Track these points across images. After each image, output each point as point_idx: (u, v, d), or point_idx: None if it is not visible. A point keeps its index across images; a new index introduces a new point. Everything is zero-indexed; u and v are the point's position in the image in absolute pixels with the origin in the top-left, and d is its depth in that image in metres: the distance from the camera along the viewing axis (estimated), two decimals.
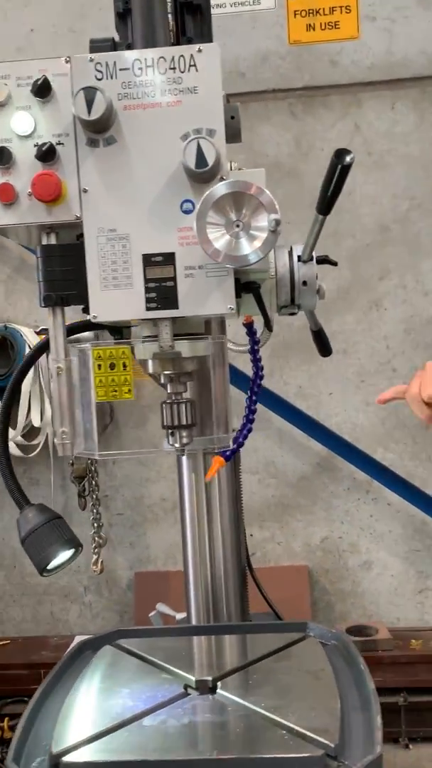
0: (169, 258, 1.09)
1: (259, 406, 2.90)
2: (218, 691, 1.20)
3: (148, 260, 1.09)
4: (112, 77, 1.09)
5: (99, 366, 1.13)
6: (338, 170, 1.01)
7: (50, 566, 1.28)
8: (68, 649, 1.40)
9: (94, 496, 2.99)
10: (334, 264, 1.25)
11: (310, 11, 2.90)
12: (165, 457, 2.98)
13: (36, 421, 2.88)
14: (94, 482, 2.89)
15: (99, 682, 1.27)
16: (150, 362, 1.18)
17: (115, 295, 1.11)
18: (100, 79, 1.09)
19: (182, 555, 1.59)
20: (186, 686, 1.22)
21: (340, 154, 1.00)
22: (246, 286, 1.15)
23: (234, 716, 1.14)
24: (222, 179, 1.07)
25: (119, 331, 1.30)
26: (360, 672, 1.25)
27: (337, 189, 1.04)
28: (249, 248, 0.99)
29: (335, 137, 2.94)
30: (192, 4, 1.27)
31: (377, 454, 2.93)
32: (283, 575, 2.96)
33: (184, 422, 1.19)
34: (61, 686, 1.28)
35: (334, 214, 2.95)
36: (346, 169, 1.01)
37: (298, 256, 1.20)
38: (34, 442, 2.93)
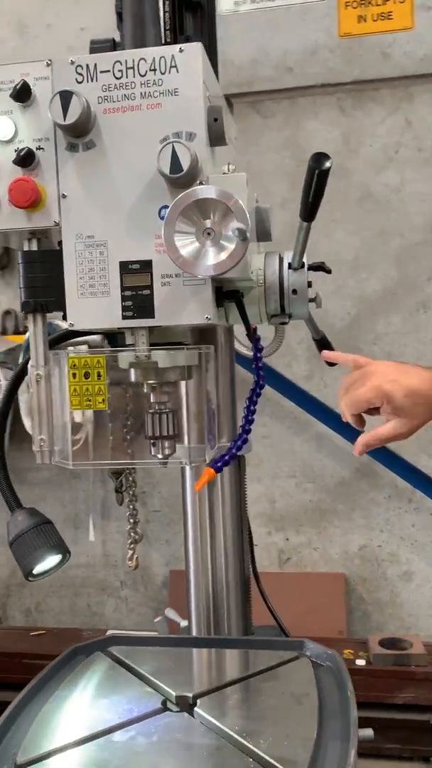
0: (146, 266, 1.05)
1: (297, 409, 2.84)
2: (196, 709, 1.16)
3: (125, 268, 1.06)
4: (92, 80, 1.06)
5: (74, 375, 1.10)
6: (316, 175, 0.94)
7: (36, 571, 1.27)
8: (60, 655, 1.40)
9: (131, 492, 3.00)
10: (328, 271, 1.18)
11: (362, 2, 2.79)
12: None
13: (78, 417, 2.90)
14: (131, 478, 2.89)
15: (80, 690, 1.26)
16: (131, 371, 1.14)
17: (91, 302, 1.08)
18: (80, 82, 1.06)
19: (184, 564, 1.56)
20: (165, 701, 1.19)
21: (318, 158, 0.94)
22: (229, 294, 1.10)
23: (204, 739, 1.10)
24: (201, 184, 1.03)
25: (114, 337, 1.28)
26: (346, 699, 1.18)
27: (318, 194, 0.98)
28: (215, 258, 0.94)
29: (385, 133, 2.83)
30: (191, 2, 1.22)
31: (421, 461, 2.82)
32: (319, 582, 2.88)
33: (166, 433, 1.16)
34: (44, 692, 1.27)
35: (381, 212, 2.85)
36: (325, 174, 0.95)
37: (289, 264, 1.14)
38: (76, 437, 2.95)
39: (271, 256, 1.17)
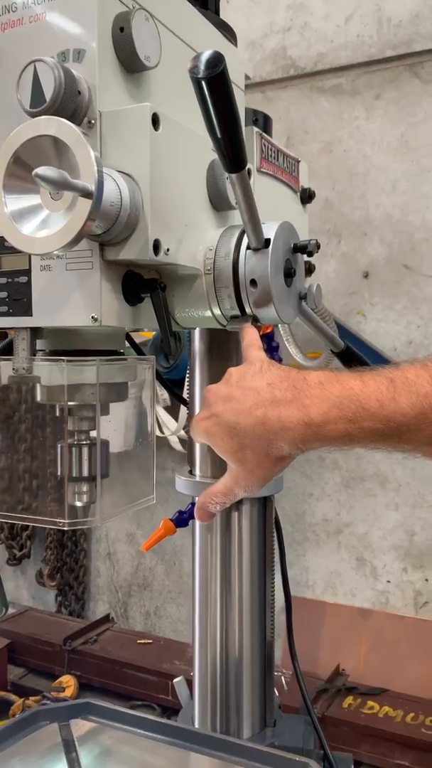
0: None
1: None
2: None
3: (1, 245, 0.74)
4: None
5: None
6: (206, 89, 0.55)
7: None
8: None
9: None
10: (310, 253, 0.75)
11: None
12: (331, 472, 2.52)
13: None
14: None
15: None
16: (38, 389, 0.82)
17: None
18: None
19: (191, 628, 1.20)
20: None
21: (195, 65, 0.54)
22: (149, 284, 0.73)
23: None
24: (91, 124, 0.68)
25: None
26: None
27: (225, 121, 0.58)
28: (46, 229, 0.59)
29: None
30: None
31: None
32: None
33: (85, 473, 0.82)
34: None
35: None
36: (217, 80, 0.55)
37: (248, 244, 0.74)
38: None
39: (230, 232, 0.77)
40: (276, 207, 1.07)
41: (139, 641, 2.60)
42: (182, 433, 2.62)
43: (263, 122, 1.04)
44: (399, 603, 2.42)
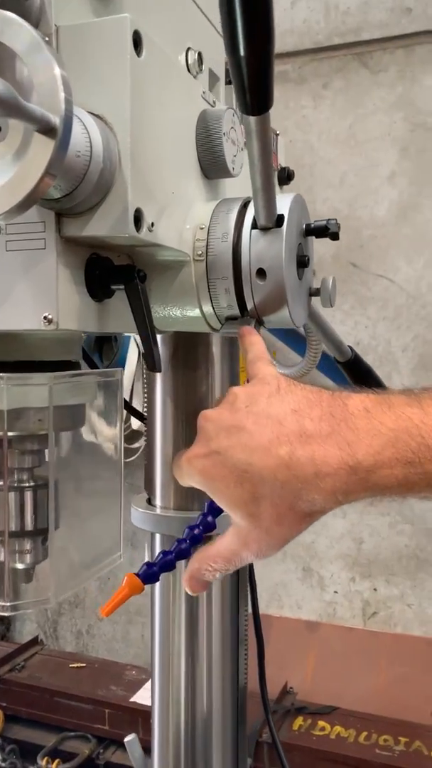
0: None
1: None
2: None
3: None
4: None
5: None
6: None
7: None
8: None
9: None
10: (334, 237, 0.57)
11: None
12: None
13: (135, 424, 2.43)
14: None
15: None
16: None
17: None
18: None
19: (150, 681, 1.01)
20: None
21: None
22: (119, 273, 0.53)
23: None
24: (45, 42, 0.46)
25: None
26: None
27: (257, 32, 0.38)
28: None
29: None
30: None
31: None
32: (411, 647, 2.21)
33: (28, 526, 0.61)
34: None
35: None
36: None
37: (254, 218, 0.55)
38: (135, 445, 2.48)
39: (226, 205, 0.57)
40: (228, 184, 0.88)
41: (71, 665, 2.36)
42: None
43: None
44: (347, 614, 2.29)
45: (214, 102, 0.62)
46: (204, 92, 0.59)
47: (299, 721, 2.05)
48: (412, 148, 2.15)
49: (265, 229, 0.54)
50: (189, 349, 0.85)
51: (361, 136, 2.21)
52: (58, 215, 0.48)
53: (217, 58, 0.74)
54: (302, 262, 0.57)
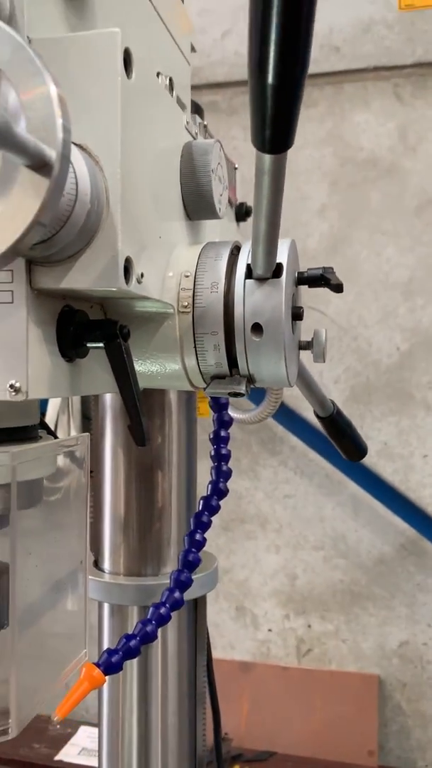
0: None
1: (329, 464, 2.15)
2: None
3: None
4: None
5: None
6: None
7: None
8: None
9: None
10: (336, 288, 0.51)
11: None
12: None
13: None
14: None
15: None
16: None
17: None
18: None
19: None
20: None
21: None
22: (102, 329, 0.45)
23: None
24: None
25: None
26: None
27: (295, 46, 0.32)
28: None
29: None
30: None
31: None
32: (346, 683, 2.17)
33: None
34: None
35: None
36: None
37: (248, 266, 0.48)
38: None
39: (213, 251, 0.50)
40: (206, 225, 0.82)
41: None
42: None
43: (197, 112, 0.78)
44: (281, 652, 2.23)
45: (196, 134, 0.55)
46: (188, 122, 0.52)
47: None
48: (342, 182, 2.17)
49: (261, 280, 0.48)
50: (144, 395, 0.78)
51: (293, 168, 2.20)
52: (29, 263, 0.40)
53: (184, 83, 0.68)
54: (297, 315, 0.51)
